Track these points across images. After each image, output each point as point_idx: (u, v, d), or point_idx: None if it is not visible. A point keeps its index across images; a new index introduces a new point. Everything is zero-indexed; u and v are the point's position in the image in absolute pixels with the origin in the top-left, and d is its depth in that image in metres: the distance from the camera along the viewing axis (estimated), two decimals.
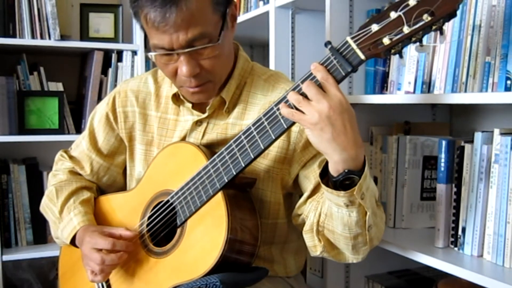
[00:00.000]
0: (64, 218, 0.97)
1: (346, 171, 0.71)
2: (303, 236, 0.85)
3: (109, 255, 0.86)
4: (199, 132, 0.92)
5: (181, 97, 0.92)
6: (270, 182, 0.89)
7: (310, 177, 0.86)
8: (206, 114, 0.91)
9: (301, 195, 0.89)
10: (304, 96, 0.71)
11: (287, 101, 0.73)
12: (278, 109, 0.75)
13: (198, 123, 0.92)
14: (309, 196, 0.85)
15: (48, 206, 1.01)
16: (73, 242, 0.95)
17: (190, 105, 0.92)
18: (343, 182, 0.73)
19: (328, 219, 0.79)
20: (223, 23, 0.81)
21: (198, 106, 0.93)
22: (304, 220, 0.86)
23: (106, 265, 0.86)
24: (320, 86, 0.71)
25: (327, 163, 0.74)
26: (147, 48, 0.84)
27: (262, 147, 0.77)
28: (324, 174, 0.76)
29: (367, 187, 0.74)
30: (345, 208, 0.74)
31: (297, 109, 0.71)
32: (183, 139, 0.93)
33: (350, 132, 0.69)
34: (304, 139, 0.86)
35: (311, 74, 0.72)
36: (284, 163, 0.88)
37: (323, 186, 0.75)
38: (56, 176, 1.04)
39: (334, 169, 0.72)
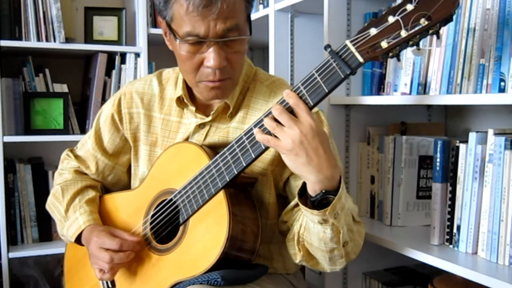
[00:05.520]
0: (69, 217, 0.98)
1: (323, 191, 0.74)
2: (286, 243, 0.87)
3: (117, 254, 0.87)
4: (201, 134, 0.94)
5: (185, 100, 0.93)
6: (268, 184, 0.90)
7: (300, 186, 0.87)
8: (209, 118, 0.92)
9: (290, 201, 0.90)
10: (278, 122, 0.74)
11: (262, 126, 0.76)
12: (262, 125, 0.77)
13: (201, 126, 0.94)
14: (296, 205, 0.86)
15: (54, 205, 1.02)
16: (78, 240, 0.97)
17: (193, 108, 0.93)
18: (320, 201, 0.75)
19: (306, 232, 0.81)
20: (249, 23, 0.85)
21: (202, 110, 0.94)
22: (288, 227, 0.87)
23: (115, 264, 0.87)
24: (292, 112, 0.74)
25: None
26: (174, 35, 0.82)
27: (263, 147, 0.78)
28: (304, 191, 0.78)
29: (342, 207, 0.76)
30: (320, 225, 0.76)
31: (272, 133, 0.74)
32: (186, 140, 0.95)
33: (323, 155, 0.72)
34: None
35: (285, 100, 0.75)
36: (278, 166, 0.90)
37: (299, 203, 0.77)
38: (62, 175, 1.06)
39: (312, 189, 0.75)
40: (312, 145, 0.71)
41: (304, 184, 0.77)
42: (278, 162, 0.90)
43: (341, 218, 0.76)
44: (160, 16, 0.87)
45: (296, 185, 0.88)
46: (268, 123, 0.75)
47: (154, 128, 0.99)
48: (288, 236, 0.87)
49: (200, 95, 0.91)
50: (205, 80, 0.85)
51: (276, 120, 0.74)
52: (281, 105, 0.75)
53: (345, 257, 0.82)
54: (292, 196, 0.90)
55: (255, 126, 0.79)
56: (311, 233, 0.79)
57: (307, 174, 0.73)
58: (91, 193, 1.01)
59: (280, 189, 0.93)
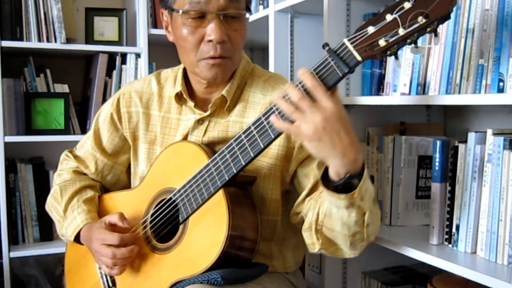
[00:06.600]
0: (68, 216, 0.99)
1: (347, 175, 0.73)
2: (302, 234, 0.87)
3: (120, 249, 0.88)
4: (201, 130, 0.94)
5: (184, 96, 0.94)
6: (271, 180, 0.91)
7: (309, 176, 0.88)
8: (208, 112, 0.93)
9: (299, 193, 0.90)
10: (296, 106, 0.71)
11: (280, 112, 0.73)
12: (277, 108, 0.76)
13: (200, 121, 0.94)
14: (308, 195, 0.87)
15: (53, 205, 1.03)
16: (77, 239, 0.98)
17: (192, 104, 0.94)
18: (343, 185, 0.75)
19: (327, 219, 0.81)
20: (248, 10, 0.89)
21: (200, 105, 0.95)
22: (303, 218, 0.87)
23: (118, 259, 0.88)
24: (307, 92, 0.71)
25: (327, 166, 0.75)
26: (178, 11, 0.85)
27: (262, 146, 0.79)
28: (324, 176, 0.78)
29: (366, 189, 0.76)
30: (345, 210, 0.76)
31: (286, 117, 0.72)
32: (185, 137, 0.95)
33: (345, 139, 0.70)
34: None
35: (300, 82, 0.72)
36: (284, 160, 0.90)
37: (324, 189, 0.76)
38: (61, 176, 1.07)
39: (336, 173, 0.74)
40: (335, 130, 0.70)
41: (324, 171, 0.77)
42: (283, 157, 0.90)
43: (366, 200, 0.76)
44: (162, 5, 0.88)
45: (304, 174, 0.89)
46: (285, 107, 0.71)
47: (153, 126, 1.00)
48: (303, 227, 0.86)
49: (200, 75, 0.90)
50: (206, 57, 0.86)
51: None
52: (297, 87, 0.72)
53: (366, 240, 0.82)
54: (301, 188, 0.90)
55: (264, 115, 0.76)
56: (333, 219, 0.79)
57: (332, 159, 0.72)
58: (89, 193, 1.02)
59: (287, 184, 0.93)
